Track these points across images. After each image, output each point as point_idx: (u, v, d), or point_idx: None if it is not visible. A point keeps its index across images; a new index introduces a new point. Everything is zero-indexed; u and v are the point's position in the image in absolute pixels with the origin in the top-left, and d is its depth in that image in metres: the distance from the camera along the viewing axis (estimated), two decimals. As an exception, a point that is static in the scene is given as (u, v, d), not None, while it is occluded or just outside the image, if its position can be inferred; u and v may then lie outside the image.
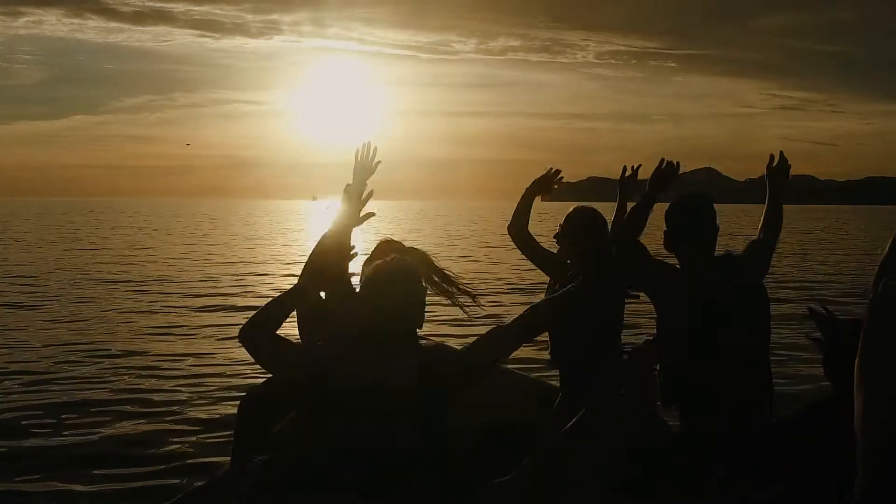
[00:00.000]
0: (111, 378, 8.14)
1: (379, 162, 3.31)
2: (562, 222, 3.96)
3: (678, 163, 3.47)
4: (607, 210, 4.02)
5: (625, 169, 3.90)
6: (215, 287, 16.24)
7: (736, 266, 3.43)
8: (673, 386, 3.37)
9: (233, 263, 22.09)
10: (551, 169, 4.20)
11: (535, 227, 4.22)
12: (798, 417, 2.74)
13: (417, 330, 2.40)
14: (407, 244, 3.55)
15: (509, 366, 4.96)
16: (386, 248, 3.44)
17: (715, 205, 3.54)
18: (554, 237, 4.00)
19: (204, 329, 11.17)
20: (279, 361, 2.44)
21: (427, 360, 2.34)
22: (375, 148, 3.32)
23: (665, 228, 3.47)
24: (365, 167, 3.28)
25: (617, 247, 3.54)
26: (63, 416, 6.70)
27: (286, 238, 36.86)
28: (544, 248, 4.25)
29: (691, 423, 3.35)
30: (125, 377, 8.21)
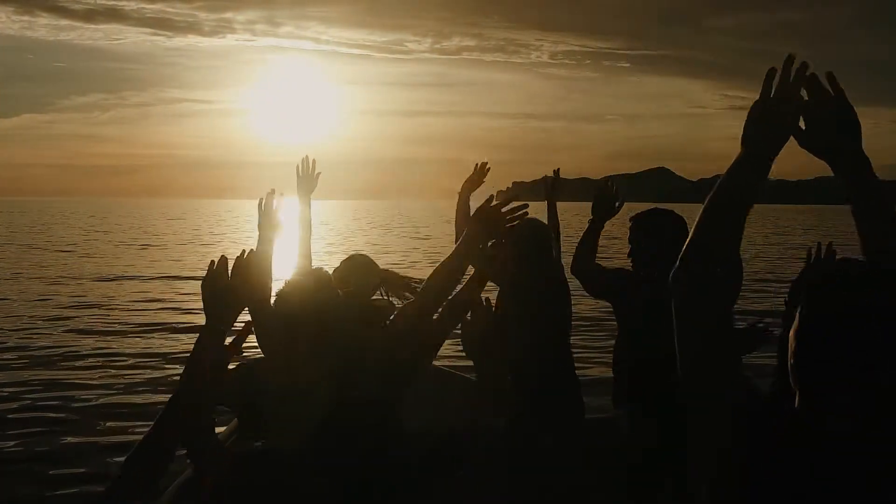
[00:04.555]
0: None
1: (319, 173, 3.58)
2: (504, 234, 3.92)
3: (617, 189, 3.78)
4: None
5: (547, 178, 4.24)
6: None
7: None
8: (631, 386, 3.46)
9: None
10: (477, 165, 3.96)
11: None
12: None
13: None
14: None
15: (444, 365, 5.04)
16: (350, 263, 3.48)
17: (668, 204, 3.61)
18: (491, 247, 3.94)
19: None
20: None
21: (346, 371, 2.29)
22: (314, 160, 3.57)
23: (630, 245, 3.53)
24: (308, 179, 3.53)
25: (578, 273, 3.70)
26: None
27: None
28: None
29: (647, 425, 3.38)
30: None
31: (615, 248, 12.06)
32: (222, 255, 1.97)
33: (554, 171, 4.36)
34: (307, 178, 3.59)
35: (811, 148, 1.71)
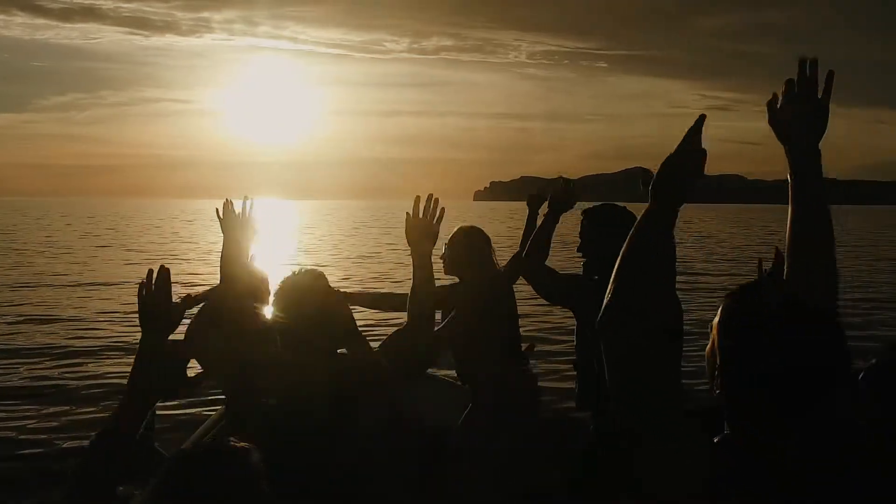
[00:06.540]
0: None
1: (255, 231, 3.20)
2: (446, 242, 3.99)
3: (573, 183, 3.71)
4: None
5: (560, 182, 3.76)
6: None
7: None
8: (591, 386, 3.49)
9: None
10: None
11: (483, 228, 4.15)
12: None
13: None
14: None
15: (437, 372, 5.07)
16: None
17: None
18: (441, 258, 3.98)
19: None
20: None
21: (338, 369, 2.39)
22: (252, 202, 3.20)
23: (581, 239, 3.60)
24: (244, 223, 3.13)
25: (531, 273, 3.70)
26: None
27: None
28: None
29: (609, 425, 3.38)
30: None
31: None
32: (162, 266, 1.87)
33: (562, 177, 3.80)
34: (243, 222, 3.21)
35: (777, 131, 1.87)
